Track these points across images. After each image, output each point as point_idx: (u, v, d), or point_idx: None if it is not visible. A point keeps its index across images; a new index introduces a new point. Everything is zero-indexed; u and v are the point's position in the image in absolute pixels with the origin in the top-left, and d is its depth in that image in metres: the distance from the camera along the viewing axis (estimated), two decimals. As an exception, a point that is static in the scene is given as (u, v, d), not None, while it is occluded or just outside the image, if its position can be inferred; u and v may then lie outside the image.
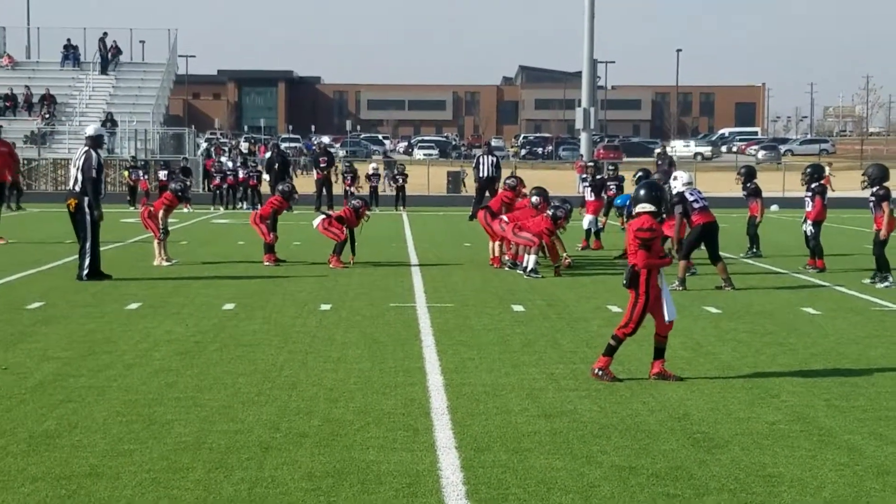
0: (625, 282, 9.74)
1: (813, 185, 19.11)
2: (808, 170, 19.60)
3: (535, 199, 18.76)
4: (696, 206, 16.19)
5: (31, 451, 7.31)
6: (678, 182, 16.55)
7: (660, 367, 9.74)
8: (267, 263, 19.08)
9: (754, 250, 21.32)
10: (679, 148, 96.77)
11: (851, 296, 15.61)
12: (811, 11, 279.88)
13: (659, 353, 9.81)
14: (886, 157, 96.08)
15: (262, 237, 19.40)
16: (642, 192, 9.93)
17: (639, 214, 9.81)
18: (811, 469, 7.03)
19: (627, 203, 19.30)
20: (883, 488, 6.71)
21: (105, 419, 8.11)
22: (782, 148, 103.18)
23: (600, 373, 9.66)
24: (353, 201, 20.09)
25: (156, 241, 19.16)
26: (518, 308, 14.01)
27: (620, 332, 9.72)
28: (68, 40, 59.74)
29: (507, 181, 20.28)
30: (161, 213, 19.24)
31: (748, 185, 21.38)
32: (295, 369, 10.00)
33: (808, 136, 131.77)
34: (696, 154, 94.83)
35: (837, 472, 6.97)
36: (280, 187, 20.28)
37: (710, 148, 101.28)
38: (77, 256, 16.85)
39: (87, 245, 16.49)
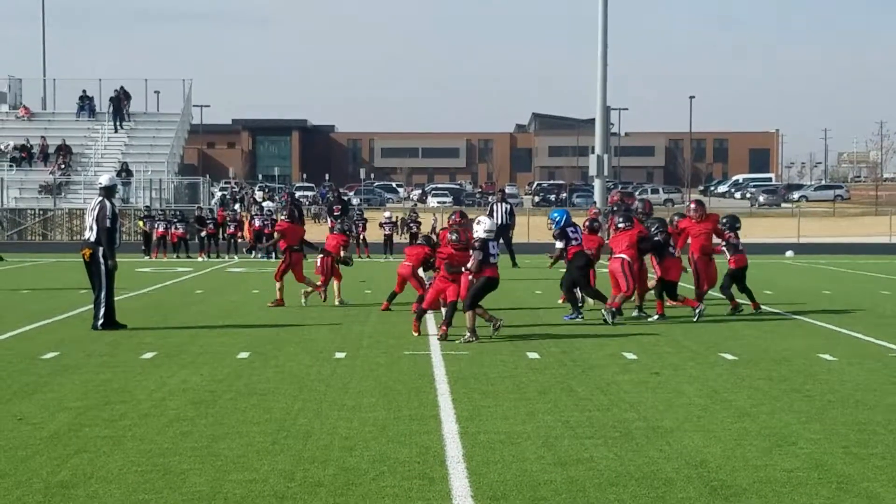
0: None
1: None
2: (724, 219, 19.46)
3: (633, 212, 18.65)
4: (492, 258, 15.75)
5: (46, 501, 7.29)
6: (480, 227, 15.91)
7: None
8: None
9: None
10: (647, 194, 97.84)
11: (868, 342, 15.54)
12: (825, 58, 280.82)
13: None
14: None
15: (416, 289, 18.64)
16: None
17: None
18: (830, 517, 6.98)
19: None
20: (903, 536, 6.65)
21: (120, 469, 8.10)
22: (796, 194, 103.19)
23: None
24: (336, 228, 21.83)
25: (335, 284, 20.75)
26: (533, 355, 13.98)
27: None
28: (84, 91, 60.25)
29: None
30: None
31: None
32: (310, 418, 9.98)
33: (823, 182, 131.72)
34: (665, 201, 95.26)
35: (857, 520, 6.91)
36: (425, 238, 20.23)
37: (679, 195, 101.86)
38: (92, 306, 16.89)
39: (102, 295, 16.53)
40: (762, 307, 19.51)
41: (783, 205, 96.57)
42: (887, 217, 61.98)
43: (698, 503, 7.27)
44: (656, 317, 18.09)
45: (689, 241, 18.93)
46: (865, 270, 32.54)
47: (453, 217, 18.20)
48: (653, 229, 18.26)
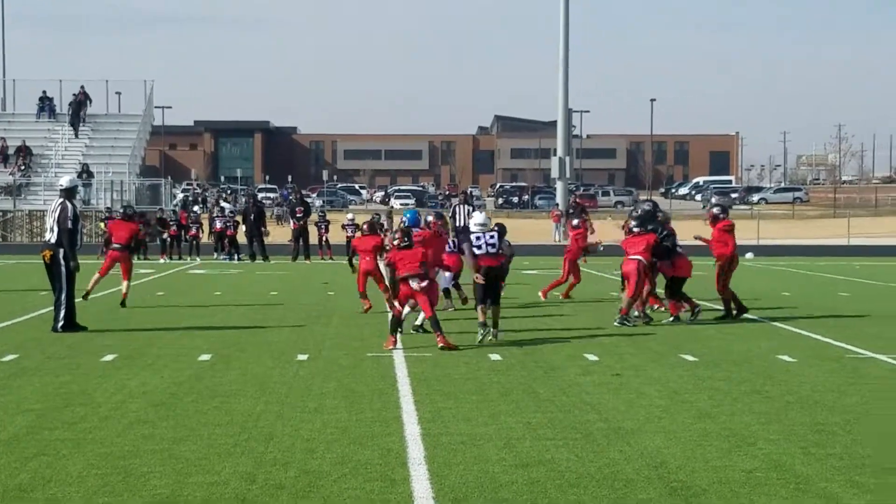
0: None
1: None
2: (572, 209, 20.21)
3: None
4: (477, 250, 16.02)
5: (5, 504, 7.25)
6: (472, 221, 16.65)
7: None
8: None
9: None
10: (598, 197, 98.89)
11: (827, 343, 15.67)
12: (784, 60, 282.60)
13: None
14: (859, 205, 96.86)
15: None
16: None
17: None
18: (788, 517, 7.04)
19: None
20: (860, 536, 6.72)
21: (80, 472, 8.05)
22: (756, 197, 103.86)
23: None
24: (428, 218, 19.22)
25: None
26: (495, 357, 14.01)
27: None
28: (44, 92, 59.74)
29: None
30: None
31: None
32: (271, 420, 9.97)
33: (782, 185, 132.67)
34: (616, 203, 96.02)
35: (814, 520, 6.97)
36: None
37: (629, 197, 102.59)
38: (52, 308, 16.78)
39: (63, 296, 16.43)
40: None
41: (741, 207, 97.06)
42: (845, 219, 62.55)
43: (658, 504, 7.32)
44: (671, 318, 18.15)
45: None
46: (824, 272, 32.80)
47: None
48: (660, 235, 18.38)
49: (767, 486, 7.77)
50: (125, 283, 20.62)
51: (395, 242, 15.56)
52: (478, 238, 16.07)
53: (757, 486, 7.74)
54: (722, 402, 11.00)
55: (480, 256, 16.01)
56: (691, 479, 7.92)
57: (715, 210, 19.45)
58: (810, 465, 8.39)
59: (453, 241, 19.98)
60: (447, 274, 19.32)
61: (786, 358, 14.07)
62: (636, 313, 18.03)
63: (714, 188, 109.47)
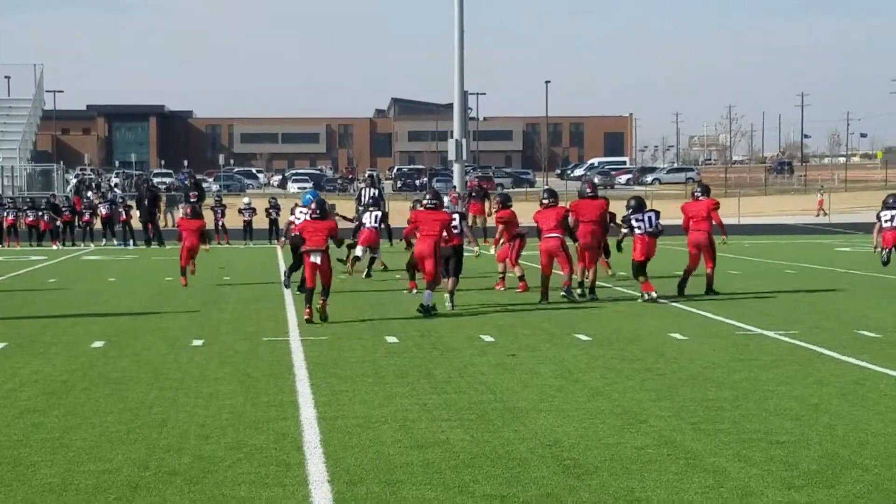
0: None
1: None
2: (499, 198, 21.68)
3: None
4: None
5: None
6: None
7: None
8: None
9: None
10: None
11: (716, 321, 15.96)
12: (676, 43, 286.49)
13: None
14: (749, 184, 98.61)
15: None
16: None
17: None
18: (678, 492, 7.17)
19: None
20: (746, 508, 6.87)
21: (-32, 463, 7.92)
22: (650, 177, 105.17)
23: None
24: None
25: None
26: (392, 339, 14.04)
27: None
28: (-71, 75, 58.37)
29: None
30: None
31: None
32: (165, 406, 9.88)
33: (675, 165, 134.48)
34: (496, 185, 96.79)
35: (703, 495, 7.11)
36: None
37: (510, 179, 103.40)
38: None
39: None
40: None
41: (636, 187, 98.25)
42: (736, 199, 63.59)
43: (551, 482, 7.41)
44: (649, 295, 18.64)
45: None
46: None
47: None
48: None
49: (658, 462, 7.91)
50: None
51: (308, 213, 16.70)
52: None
53: (648, 463, 7.88)
54: (614, 380, 11.16)
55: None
56: (584, 457, 8.03)
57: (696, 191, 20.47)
58: (700, 440, 8.56)
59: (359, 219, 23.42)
60: (359, 247, 22.55)
61: (677, 336, 14.31)
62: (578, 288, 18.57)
63: (607, 169, 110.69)
